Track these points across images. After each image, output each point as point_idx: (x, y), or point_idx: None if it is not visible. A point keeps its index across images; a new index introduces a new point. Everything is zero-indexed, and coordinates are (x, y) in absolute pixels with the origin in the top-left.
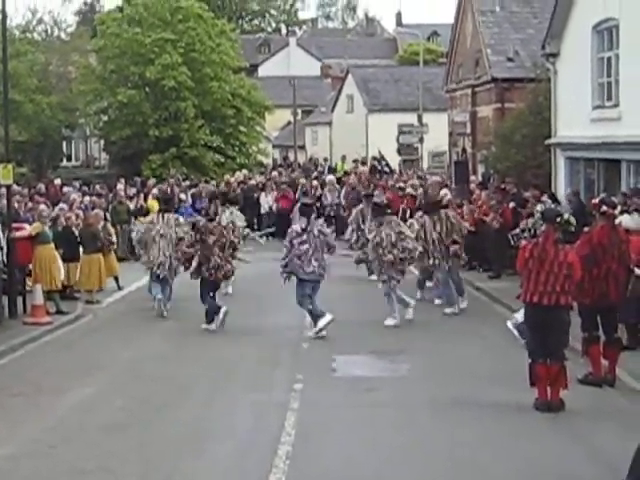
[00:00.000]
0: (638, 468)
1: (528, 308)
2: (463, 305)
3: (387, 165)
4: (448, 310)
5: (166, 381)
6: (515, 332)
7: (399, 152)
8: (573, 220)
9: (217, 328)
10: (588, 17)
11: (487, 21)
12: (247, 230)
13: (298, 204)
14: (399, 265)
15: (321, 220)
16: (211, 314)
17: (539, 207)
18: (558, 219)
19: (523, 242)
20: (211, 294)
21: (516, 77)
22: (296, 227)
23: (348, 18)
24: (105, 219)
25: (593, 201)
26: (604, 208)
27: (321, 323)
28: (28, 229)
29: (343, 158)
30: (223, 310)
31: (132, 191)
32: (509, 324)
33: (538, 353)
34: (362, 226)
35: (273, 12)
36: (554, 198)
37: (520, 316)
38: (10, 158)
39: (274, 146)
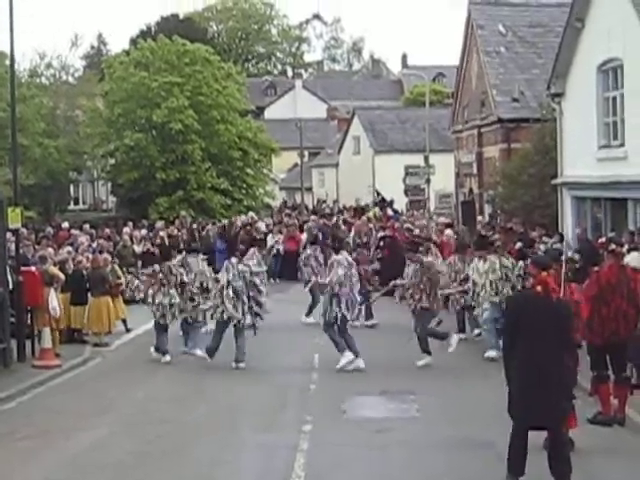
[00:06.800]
0: None
1: None
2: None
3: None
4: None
5: (175, 423)
6: None
7: (406, 193)
8: (576, 257)
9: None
10: (593, 57)
11: (492, 62)
12: None
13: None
14: None
15: None
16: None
17: (542, 247)
18: (562, 258)
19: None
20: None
21: (522, 117)
22: None
23: (354, 60)
24: (113, 262)
25: (600, 240)
26: (612, 246)
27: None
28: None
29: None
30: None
31: (140, 233)
32: None
33: None
34: None
35: (279, 55)
36: (562, 237)
37: None
38: (18, 202)
39: (281, 188)
